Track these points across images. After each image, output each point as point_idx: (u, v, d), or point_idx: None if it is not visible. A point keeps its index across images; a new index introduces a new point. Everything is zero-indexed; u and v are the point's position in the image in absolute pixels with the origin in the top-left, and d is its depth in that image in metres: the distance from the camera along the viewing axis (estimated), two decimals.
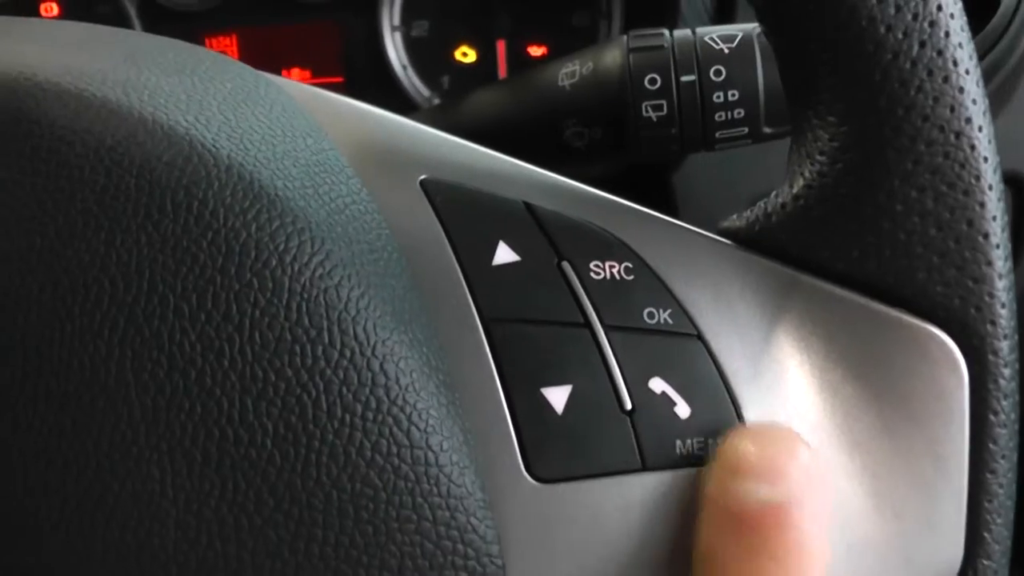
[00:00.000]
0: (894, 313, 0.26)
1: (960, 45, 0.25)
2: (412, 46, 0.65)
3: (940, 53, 0.25)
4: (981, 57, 0.57)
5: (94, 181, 0.21)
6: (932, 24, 0.25)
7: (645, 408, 0.25)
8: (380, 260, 0.24)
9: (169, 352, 0.21)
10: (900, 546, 0.26)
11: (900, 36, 0.25)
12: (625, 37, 0.43)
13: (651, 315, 0.26)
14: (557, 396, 0.25)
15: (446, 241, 0.26)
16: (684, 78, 0.41)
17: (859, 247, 0.26)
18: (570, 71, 0.43)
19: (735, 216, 0.29)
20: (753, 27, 0.42)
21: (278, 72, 0.68)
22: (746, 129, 0.41)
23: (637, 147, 0.42)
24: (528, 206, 0.27)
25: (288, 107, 0.26)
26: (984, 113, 0.26)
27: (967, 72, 0.25)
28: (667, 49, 0.41)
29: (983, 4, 0.55)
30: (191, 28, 0.68)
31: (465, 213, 0.26)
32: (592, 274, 0.26)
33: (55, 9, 0.69)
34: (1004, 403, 0.26)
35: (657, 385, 0.25)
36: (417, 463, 0.22)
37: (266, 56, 0.68)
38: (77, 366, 0.21)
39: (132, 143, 0.22)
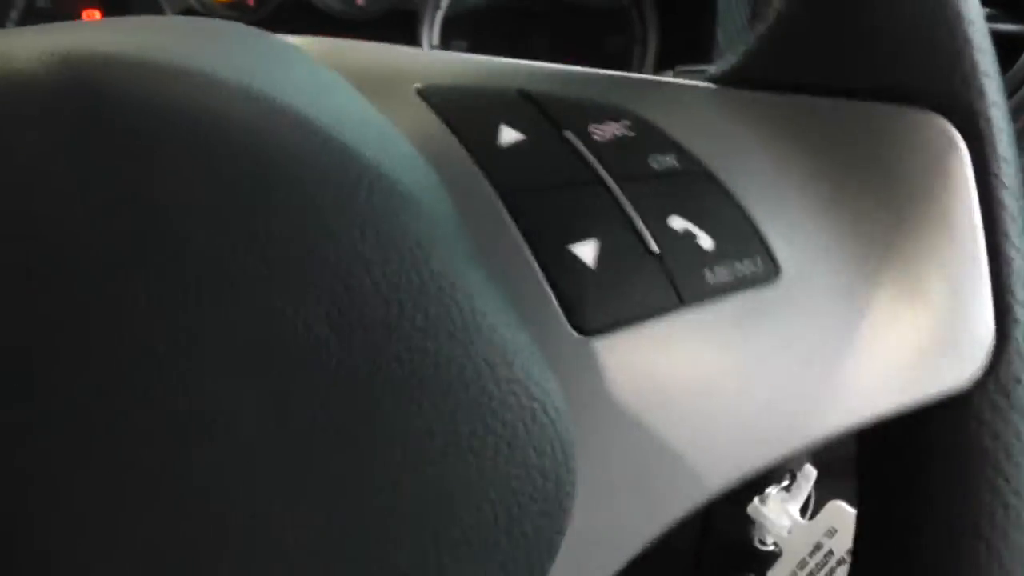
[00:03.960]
0: (889, 107, 0.28)
1: None
2: None
3: None
4: (1008, 96, 0.58)
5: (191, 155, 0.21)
6: None
7: (670, 247, 0.26)
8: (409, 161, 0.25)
9: (260, 307, 0.21)
10: (934, 328, 0.27)
11: None
12: None
13: (656, 160, 0.27)
14: (586, 250, 0.26)
15: (451, 134, 0.26)
16: None
17: (845, 54, 0.28)
18: None
19: (720, 61, 0.30)
20: None
21: None
22: None
23: None
24: (522, 92, 0.28)
25: (313, 65, 0.27)
26: None
27: None
28: None
29: (1011, 47, 0.57)
30: None
31: (464, 107, 0.27)
32: (595, 136, 0.27)
33: (97, 16, 0.70)
34: (1004, 165, 0.28)
35: (677, 223, 0.26)
36: (467, 329, 0.22)
37: None
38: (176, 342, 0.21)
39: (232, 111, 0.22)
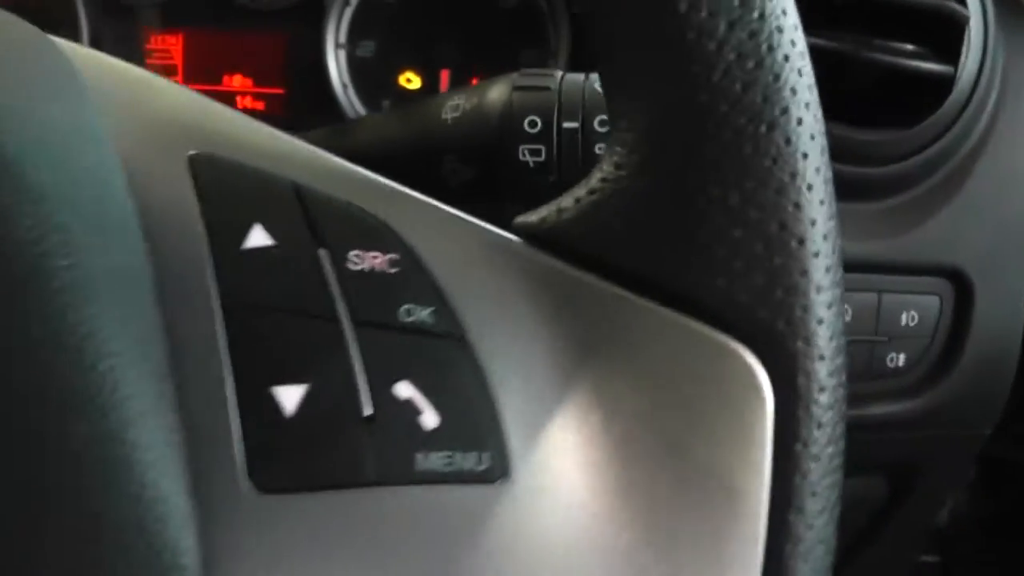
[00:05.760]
0: (691, 323, 0.23)
1: (778, 29, 0.22)
2: (355, 66, 0.64)
3: (753, 36, 0.22)
4: (931, 143, 0.54)
5: None
6: (742, 3, 0.22)
7: (385, 415, 0.22)
8: (116, 243, 0.22)
9: None
10: None
11: (705, 14, 0.22)
12: (515, 74, 0.41)
13: (408, 312, 0.23)
14: (289, 396, 0.22)
15: (200, 220, 0.23)
16: (567, 124, 0.38)
17: (653, 247, 0.23)
18: (455, 104, 0.40)
19: (530, 211, 0.26)
20: None
21: (220, 78, 0.67)
22: None
23: (511, 192, 0.39)
24: (298, 188, 0.24)
25: (63, 70, 0.25)
26: (807, 105, 0.23)
27: (786, 58, 0.22)
28: (553, 91, 0.39)
29: (938, 88, 0.53)
30: (138, 22, 0.66)
31: (227, 192, 0.24)
32: (350, 264, 0.24)
33: None
34: (817, 432, 0.23)
35: (403, 390, 0.23)
36: (108, 459, 0.19)
37: (209, 60, 0.66)
38: None
39: None
